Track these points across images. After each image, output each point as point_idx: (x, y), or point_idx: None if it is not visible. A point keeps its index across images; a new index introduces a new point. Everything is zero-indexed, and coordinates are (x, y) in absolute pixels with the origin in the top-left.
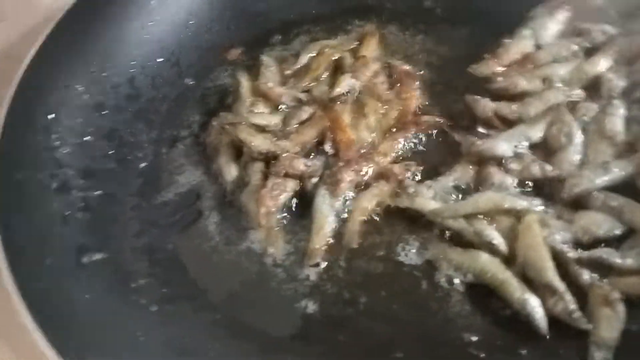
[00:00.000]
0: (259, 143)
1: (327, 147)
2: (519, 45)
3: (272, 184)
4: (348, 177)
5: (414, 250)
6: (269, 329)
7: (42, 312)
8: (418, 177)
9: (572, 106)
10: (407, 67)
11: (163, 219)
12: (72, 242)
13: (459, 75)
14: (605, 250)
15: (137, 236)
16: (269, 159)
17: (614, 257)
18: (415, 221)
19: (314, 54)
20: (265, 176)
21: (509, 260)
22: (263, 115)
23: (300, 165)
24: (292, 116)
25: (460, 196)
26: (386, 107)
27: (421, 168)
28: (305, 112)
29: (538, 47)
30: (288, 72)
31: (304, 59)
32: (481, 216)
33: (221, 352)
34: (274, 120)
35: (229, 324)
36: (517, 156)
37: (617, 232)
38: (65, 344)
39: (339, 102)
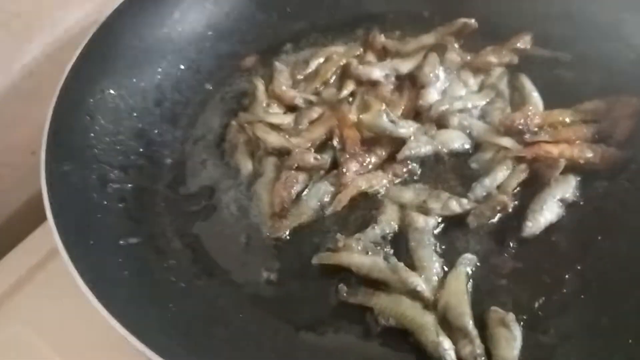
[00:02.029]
0: (274, 139)
1: (335, 143)
2: None
3: (286, 176)
4: (353, 167)
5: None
6: (284, 302)
7: (93, 283)
8: (416, 177)
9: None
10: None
11: (189, 208)
12: (111, 227)
13: None
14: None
15: (167, 223)
16: (282, 154)
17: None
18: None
19: (323, 60)
20: (278, 169)
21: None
22: (277, 115)
23: (311, 159)
24: (303, 116)
25: (389, 245)
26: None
27: (419, 170)
28: (315, 112)
29: None
30: (299, 76)
31: (313, 65)
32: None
33: (245, 322)
34: (287, 120)
35: (249, 297)
36: (434, 195)
37: (467, 146)
38: (114, 309)
39: (345, 103)
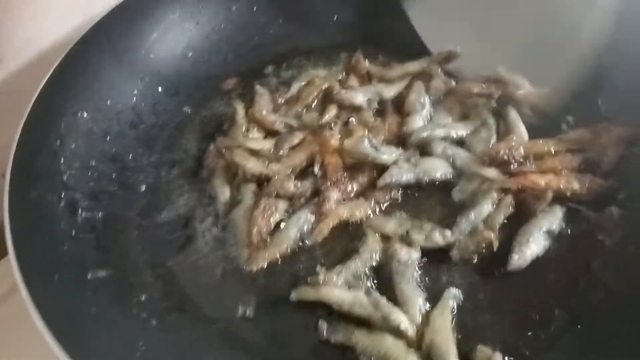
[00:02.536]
0: (253, 166)
1: (316, 170)
2: None
3: (264, 204)
4: (335, 195)
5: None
6: (261, 339)
7: (54, 322)
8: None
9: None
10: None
11: (163, 237)
12: (78, 259)
13: None
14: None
15: (139, 254)
16: (261, 181)
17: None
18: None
19: (305, 84)
20: (257, 197)
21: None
22: (257, 140)
23: (291, 186)
24: (283, 141)
25: (371, 278)
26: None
27: (399, 197)
28: (296, 137)
29: None
30: (280, 100)
31: (295, 89)
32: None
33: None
34: (267, 145)
35: (224, 334)
36: (417, 226)
37: (450, 175)
38: (75, 351)
39: (327, 128)
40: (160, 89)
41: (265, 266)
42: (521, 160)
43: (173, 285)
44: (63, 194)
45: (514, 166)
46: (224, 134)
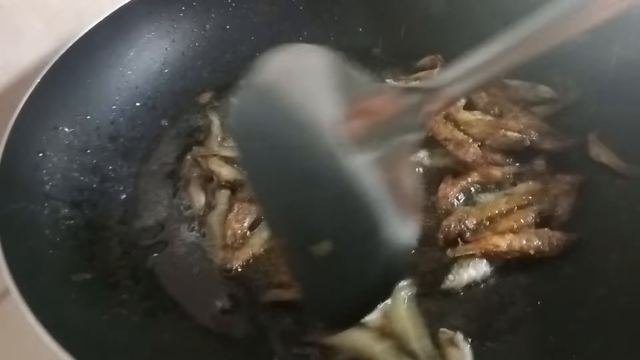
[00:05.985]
0: (227, 172)
1: None
2: None
3: (238, 208)
4: None
5: None
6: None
7: (43, 317)
8: None
9: None
10: None
11: (143, 242)
12: (63, 263)
13: None
14: None
15: (120, 258)
16: (235, 187)
17: None
18: None
19: None
20: (231, 202)
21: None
22: (232, 148)
23: None
24: None
25: None
26: None
27: None
28: None
29: None
30: None
31: None
32: None
33: (201, 353)
34: None
35: (206, 329)
36: None
37: None
38: (60, 338)
39: None
40: (138, 104)
41: (240, 266)
42: (474, 227)
43: (154, 287)
44: (46, 203)
45: (469, 235)
46: (200, 145)
